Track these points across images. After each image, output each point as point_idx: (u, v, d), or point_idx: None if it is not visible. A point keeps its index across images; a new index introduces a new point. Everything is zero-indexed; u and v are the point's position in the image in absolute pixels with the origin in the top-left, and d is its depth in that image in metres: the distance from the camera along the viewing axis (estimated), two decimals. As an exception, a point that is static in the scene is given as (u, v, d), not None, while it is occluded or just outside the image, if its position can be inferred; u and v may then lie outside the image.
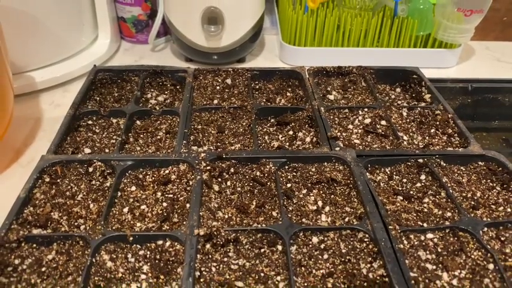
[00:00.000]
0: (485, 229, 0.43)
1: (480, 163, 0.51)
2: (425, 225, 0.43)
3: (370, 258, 0.40)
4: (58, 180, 0.47)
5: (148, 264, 0.40)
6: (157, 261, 0.40)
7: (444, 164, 0.51)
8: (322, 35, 0.85)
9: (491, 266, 0.40)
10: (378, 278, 0.38)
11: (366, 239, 0.42)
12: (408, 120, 0.58)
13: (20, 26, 0.72)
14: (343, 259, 0.40)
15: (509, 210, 0.46)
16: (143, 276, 0.39)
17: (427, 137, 0.55)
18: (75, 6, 0.80)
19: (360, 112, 0.58)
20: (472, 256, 0.41)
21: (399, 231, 0.42)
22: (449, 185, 0.48)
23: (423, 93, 0.62)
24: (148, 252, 0.41)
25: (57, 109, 0.71)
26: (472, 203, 0.46)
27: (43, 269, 0.39)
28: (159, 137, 0.55)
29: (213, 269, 0.39)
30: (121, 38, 0.93)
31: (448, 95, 0.69)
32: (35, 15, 0.73)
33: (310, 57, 0.78)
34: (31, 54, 0.76)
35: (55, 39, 0.78)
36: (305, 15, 0.83)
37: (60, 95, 0.76)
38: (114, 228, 0.42)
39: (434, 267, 0.40)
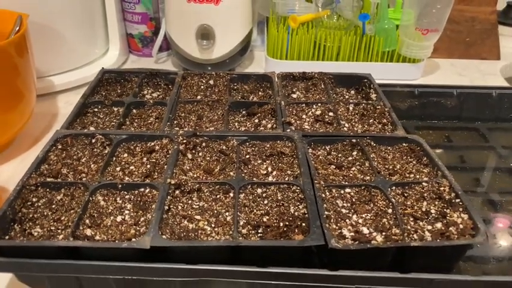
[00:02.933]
0: (393, 187, 0.55)
1: (404, 144, 0.63)
2: (346, 183, 0.56)
3: (298, 203, 0.53)
4: (68, 148, 0.61)
5: (131, 204, 0.53)
6: (138, 201, 0.53)
7: (374, 144, 0.63)
8: (300, 50, 0.99)
9: (390, 211, 0.52)
10: (301, 215, 0.51)
11: (297, 191, 0.54)
12: (353, 113, 0.71)
13: (45, 38, 0.85)
14: (278, 204, 0.53)
15: (417, 177, 0.58)
16: (127, 212, 0.52)
17: (366, 125, 0.68)
18: (91, 23, 0.95)
19: (314, 106, 0.71)
20: (378, 205, 0.53)
21: (323, 186, 0.54)
22: (375, 159, 0.61)
23: (371, 94, 0.75)
24: (132, 196, 0.54)
25: (70, 107, 0.84)
26: (391, 171, 0.59)
27: (53, 206, 0.52)
28: (149, 122, 0.68)
29: (179, 207, 0.52)
30: (129, 51, 1.08)
31: (397, 98, 0.81)
32: (57, 29, 0.87)
33: (290, 69, 0.91)
34: (52, 62, 0.90)
35: (72, 50, 0.92)
36: (287, 33, 0.97)
37: (73, 96, 0.89)
38: (108, 179, 0.55)
39: (347, 211, 0.52)
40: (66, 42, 0.90)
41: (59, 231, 0.49)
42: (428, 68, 1.06)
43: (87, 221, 0.50)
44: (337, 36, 0.98)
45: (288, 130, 0.64)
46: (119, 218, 0.51)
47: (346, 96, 0.77)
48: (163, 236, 0.47)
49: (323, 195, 0.53)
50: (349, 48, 0.98)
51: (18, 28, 0.73)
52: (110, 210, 0.52)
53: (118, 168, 0.58)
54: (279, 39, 0.98)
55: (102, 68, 0.78)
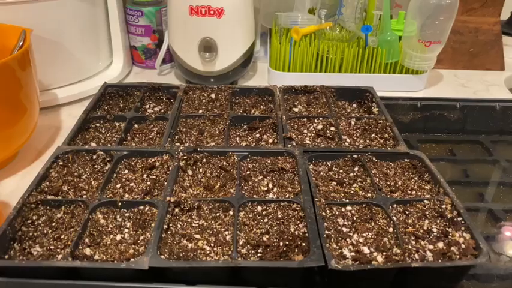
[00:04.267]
0: (395, 205, 0.55)
1: (406, 160, 0.63)
2: (347, 200, 0.55)
3: (298, 221, 0.52)
4: (69, 164, 0.61)
5: (131, 222, 0.53)
6: (137, 220, 0.53)
7: (376, 160, 0.63)
8: (304, 62, 0.99)
9: (391, 230, 0.51)
10: (301, 234, 0.50)
11: (297, 208, 0.54)
12: (355, 128, 0.70)
13: (48, 51, 0.85)
14: (278, 222, 0.53)
15: (419, 193, 0.57)
16: (126, 230, 0.52)
17: (367, 140, 0.68)
18: (94, 35, 0.95)
19: (316, 121, 0.71)
20: (379, 223, 0.52)
21: (324, 203, 0.54)
22: (377, 175, 0.61)
23: (373, 108, 0.75)
24: (132, 214, 0.54)
25: (73, 120, 0.84)
26: (393, 188, 0.58)
27: (53, 224, 0.52)
28: (151, 137, 0.69)
29: (179, 226, 0.52)
30: (133, 63, 1.08)
31: (400, 111, 0.81)
32: (60, 43, 0.87)
33: (293, 81, 0.91)
34: (55, 75, 0.90)
35: (76, 63, 0.92)
36: (290, 45, 0.97)
37: (77, 109, 0.89)
38: (108, 197, 0.55)
39: (348, 229, 0.52)
40: (69, 55, 0.90)
41: (58, 250, 0.49)
42: (431, 79, 1.05)
43: (87, 240, 0.50)
44: (340, 48, 0.98)
45: (289, 145, 0.64)
46: (118, 237, 0.51)
47: (348, 110, 0.77)
48: (162, 256, 0.46)
49: (323, 214, 0.53)
50: (351, 60, 0.98)
51: (22, 43, 0.73)
52: (109, 229, 0.52)
53: (118, 185, 0.58)
54: (282, 51, 0.98)
55: (105, 82, 0.79)
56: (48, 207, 0.54)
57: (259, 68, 1.12)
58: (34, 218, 0.53)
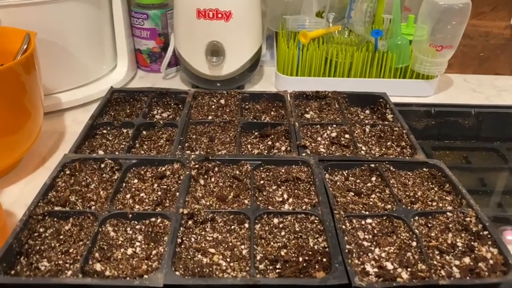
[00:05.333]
0: (416, 217, 0.53)
1: (424, 169, 0.61)
2: (367, 213, 0.53)
3: (317, 235, 0.50)
4: (76, 173, 0.59)
5: (142, 235, 0.50)
6: (149, 232, 0.51)
7: (393, 169, 0.61)
8: (311, 66, 0.97)
9: (414, 244, 0.49)
10: (321, 248, 0.48)
11: (316, 221, 0.52)
12: (370, 135, 0.68)
13: (52, 54, 0.83)
14: (296, 235, 0.50)
15: (440, 205, 0.55)
16: (138, 244, 0.49)
17: (383, 148, 0.66)
18: (99, 39, 0.93)
19: (329, 128, 0.69)
20: (401, 237, 0.50)
21: (343, 216, 0.52)
22: (395, 186, 0.58)
23: (387, 114, 0.73)
24: (143, 227, 0.51)
25: (78, 125, 0.83)
26: (412, 199, 0.56)
27: (61, 237, 0.50)
28: (160, 144, 0.66)
29: (192, 239, 0.50)
30: (137, 67, 1.06)
31: (414, 117, 0.79)
32: (64, 46, 0.85)
33: (300, 86, 0.88)
34: (59, 79, 0.88)
35: (80, 67, 0.90)
36: (297, 49, 0.95)
37: (81, 114, 0.87)
38: (117, 208, 0.53)
39: (369, 244, 0.49)
40: (73, 59, 0.88)
41: (67, 265, 0.46)
42: (441, 84, 1.03)
43: (97, 255, 0.47)
44: (349, 52, 0.96)
45: (304, 154, 0.62)
46: (129, 251, 0.48)
47: (361, 116, 0.75)
48: (177, 273, 0.44)
49: (343, 227, 0.50)
50: (361, 64, 0.96)
51: (26, 46, 0.71)
52: (120, 242, 0.49)
53: (128, 196, 0.55)
54: (290, 55, 0.96)
55: (111, 87, 0.76)
56: (55, 219, 0.52)
57: (266, 72, 1.10)
58: (41, 230, 0.50)
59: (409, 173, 0.61)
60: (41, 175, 0.69)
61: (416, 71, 0.96)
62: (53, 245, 0.49)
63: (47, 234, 0.50)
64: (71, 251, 0.48)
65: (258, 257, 0.47)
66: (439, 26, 0.91)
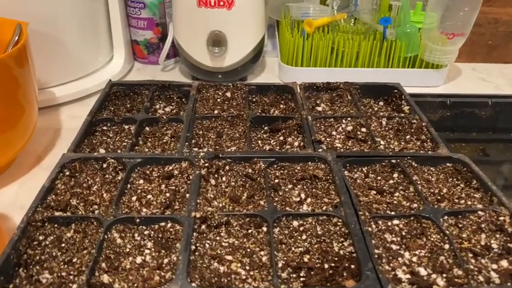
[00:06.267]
0: (446, 217, 0.49)
1: (448, 164, 0.57)
2: (393, 213, 0.50)
3: (341, 239, 0.46)
4: (76, 174, 0.54)
5: (152, 241, 0.46)
6: (159, 239, 0.46)
7: (415, 165, 0.57)
8: (317, 56, 0.92)
9: (447, 247, 0.46)
10: (347, 254, 0.44)
11: (339, 223, 0.48)
12: (387, 128, 0.65)
13: (44, 46, 0.78)
14: (319, 239, 0.47)
15: (469, 203, 0.52)
16: (147, 251, 0.45)
17: (403, 142, 0.62)
18: (94, 30, 0.88)
19: (344, 121, 0.65)
20: (432, 239, 0.47)
21: (368, 217, 0.48)
22: (418, 182, 0.55)
23: (403, 106, 0.69)
24: (152, 232, 0.47)
25: (74, 121, 0.78)
26: (438, 197, 0.53)
27: (63, 245, 0.46)
28: (164, 141, 0.62)
29: (207, 245, 0.46)
30: (134, 59, 1.01)
31: (428, 108, 0.75)
32: (57, 36, 0.80)
33: (306, 77, 0.85)
34: (53, 72, 0.83)
35: (75, 59, 0.85)
36: (302, 38, 0.91)
37: (77, 109, 0.83)
38: (123, 212, 0.49)
39: (398, 247, 0.46)
40: (67, 50, 0.83)
41: (71, 277, 0.42)
42: (450, 73, 1.00)
43: (103, 265, 0.43)
44: (356, 41, 0.92)
45: (320, 150, 0.58)
46: (138, 259, 0.44)
47: (375, 108, 0.71)
48: (193, 284, 0.40)
49: (369, 229, 0.47)
50: (368, 53, 0.92)
51: (17, 37, 0.66)
52: (127, 250, 0.45)
53: (134, 198, 0.51)
54: (294, 45, 0.92)
55: (110, 80, 0.72)
56: (56, 225, 0.48)
57: (268, 62, 1.06)
58: (41, 238, 0.46)
59: (431, 168, 0.57)
60: (37, 175, 0.65)
61: (426, 60, 0.93)
62: (54, 254, 0.45)
63: (47, 243, 0.46)
64: (74, 260, 0.44)
65: (280, 264, 0.44)
66: (449, 13, 0.88)
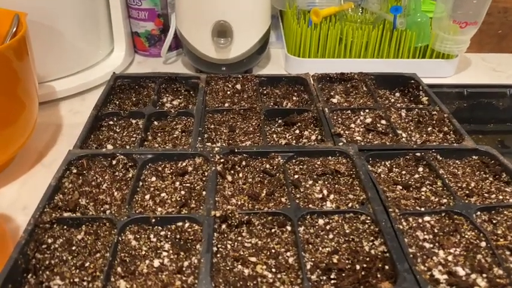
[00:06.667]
0: (478, 213, 0.47)
1: (474, 157, 0.55)
2: (422, 209, 0.47)
3: (372, 237, 0.44)
4: (84, 172, 0.51)
5: (169, 243, 0.43)
6: (177, 240, 0.43)
7: (440, 158, 0.55)
8: (325, 47, 0.89)
9: (483, 244, 0.43)
10: (380, 254, 0.42)
11: (367, 221, 0.45)
12: (407, 120, 0.62)
13: (43, 38, 0.75)
14: (347, 238, 0.44)
15: (500, 197, 0.49)
16: (165, 254, 0.42)
17: (424, 135, 0.59)
18: (94, 21, 0.85)
19: (362, 113, 0.62)
20: (466, 236, 0.44)
21: (398, 214, 0.45)
22: (445, 176, 0.52)
23: (421, 97, 0.66)
24: (169, 233, 0.44)
25: (75, 116, 0.75)
26: (467, 191, 0.50)
27: (73, 248, 0.43)
28: (175, 136, 0.59)
29: (229, 246, 0.43)
30: (135, 51, 0.98)
31: (444, 99, 0.72)
32: (56, 28, 0.77)
33: (313, 68, 0.82)
34: (52, 65, 0.80)
35: (74, 52, 0.82)
36: (309, 28, 0.88)
37: (78, 103, 0.80)
38: (137, 212, 0.46)
39: (431, 245, 0.43)
40: (66, 43, 0.79)
41: (85, 283, 0.39)
42: (459, 64, 0.97)
43: (119, 269, 0.40)
44: (365, 31, 0.89)
45: (340, 144, 0.55)
46: (156, 263, 0.41)
47: (392, 100, 0.68)
48: (218, 289, 0.37)
49: (400, 227, 0.44)
50: (378, 43, 0.90)
51: (15, 29, 0.63)
52: (143, 253, 0.42)
53: (147, 197, 0.48)
54: (301, 36, 0.89)
55: (114, 73, 0.68)
56: (65, 227, 0.45)
57: (273, 54, 1.02)
58: (50, 241, 0.43)
59: (457, 161, 0.55)
60: (39, 173, 0.62)
61: (437, 50, 0.90)
62: (64, 258, 0.42)
63: (57, 246, 0.43)
64: (87, 265, 0.41)
65: (308, 266, 0.41)
66: (461, 1, 0.85)
